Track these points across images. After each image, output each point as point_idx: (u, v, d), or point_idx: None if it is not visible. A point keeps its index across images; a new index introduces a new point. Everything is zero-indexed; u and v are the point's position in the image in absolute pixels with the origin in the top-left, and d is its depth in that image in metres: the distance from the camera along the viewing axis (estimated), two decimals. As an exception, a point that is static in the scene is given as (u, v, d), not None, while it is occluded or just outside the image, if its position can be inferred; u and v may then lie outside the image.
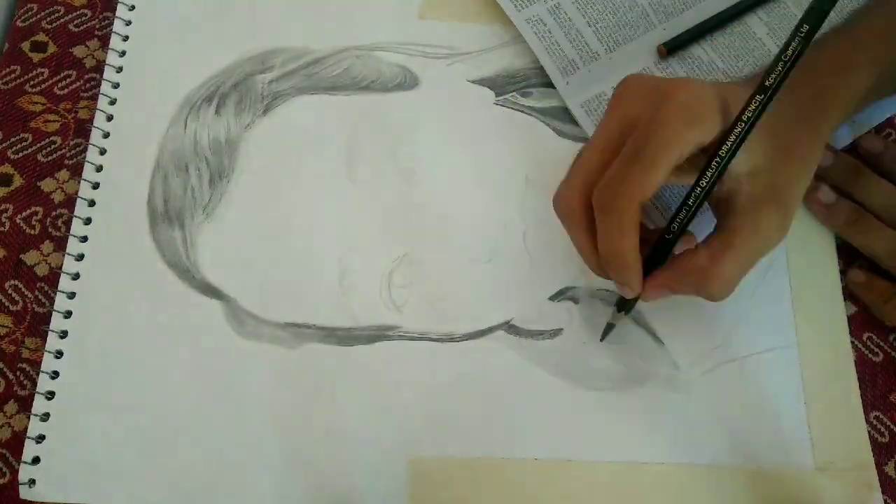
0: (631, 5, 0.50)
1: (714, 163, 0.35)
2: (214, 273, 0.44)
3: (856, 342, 0.45)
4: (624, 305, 0.42)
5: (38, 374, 0.42)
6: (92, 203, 0.46)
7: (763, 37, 0.50)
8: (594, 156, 0.37)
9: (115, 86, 0.48)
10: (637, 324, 0.44)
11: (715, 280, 0.36)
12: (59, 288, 0.44)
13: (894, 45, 0.41)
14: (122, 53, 0.49)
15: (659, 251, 0.38)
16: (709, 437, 0.42)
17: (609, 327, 0.43)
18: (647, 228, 0.41)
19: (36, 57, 0.50)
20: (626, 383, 0.43)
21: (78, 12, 0.51)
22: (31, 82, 0.49)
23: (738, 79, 0.49)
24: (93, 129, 0.47)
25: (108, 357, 0.43)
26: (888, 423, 0.43)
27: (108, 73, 0.49)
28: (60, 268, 0.44)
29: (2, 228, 0.46)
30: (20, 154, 0.47)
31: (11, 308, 0.44)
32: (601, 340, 0.44)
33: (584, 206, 0.37)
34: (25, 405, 0.42)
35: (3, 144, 0.48)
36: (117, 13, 0.50)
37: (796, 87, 0.35)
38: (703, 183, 0.36)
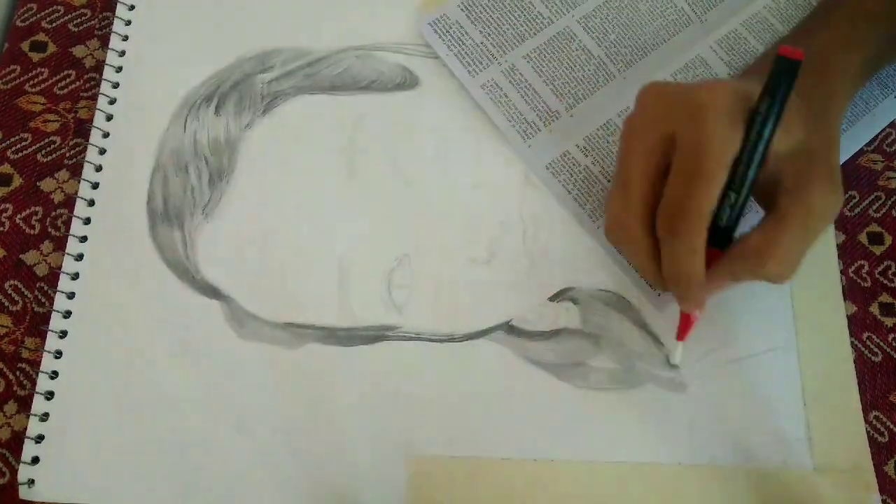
0: (587, 58, 0.49)
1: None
2: (214, 273, 0.44)
3: (855, 342, 0.45)
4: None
5: (37, 374, 0.42)
6: (92, 203, 0.46)
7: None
8: (644, 179, 0.37)
9: (115, 86, 0.48)
10: (637, 324, 0.44)
11: (772, 259, 0.36)
12: (59, 288, 0.44)
13: (884, 20, 0.42)
14: (122, 53, 0.49)
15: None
16: (708, 438, 0.42)
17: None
18: None
19: (36, 57, 0.50)
20: (626, 383, 0.43)
21: (78, 12, 0.51)
22: (31, 82, 0.49)
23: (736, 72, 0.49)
24: (92, 129, 0.47)
25: (108, 357, 0.43)
26: (888, 423, 0.43)
27: (108, 73, 0.49)
28: (60, 268, 0.44)
29: (1, 228, 0.46)
30: (20, 154, 0.47)
31: (11, 308, 0.44)
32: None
33: (645, 232, 0.38)
34: (25, 405, 0.42)
35: (3, 144, 0.48)
36: (117, 13, 0.50)
37: (804, 67, 0.36)
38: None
